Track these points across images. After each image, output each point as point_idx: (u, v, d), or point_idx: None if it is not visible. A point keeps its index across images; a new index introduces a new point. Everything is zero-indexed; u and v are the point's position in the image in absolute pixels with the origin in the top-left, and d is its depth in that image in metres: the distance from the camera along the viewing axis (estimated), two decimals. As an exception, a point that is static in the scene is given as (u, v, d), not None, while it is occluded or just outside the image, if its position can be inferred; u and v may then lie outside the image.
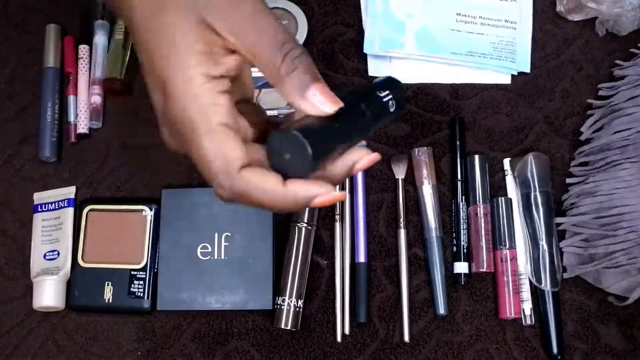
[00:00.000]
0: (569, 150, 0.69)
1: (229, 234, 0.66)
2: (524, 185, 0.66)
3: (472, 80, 0.71)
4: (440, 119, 0.70)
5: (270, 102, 0.70)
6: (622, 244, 0.59)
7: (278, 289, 0.65)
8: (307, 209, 0.64)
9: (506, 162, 0.68)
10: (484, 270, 0.65)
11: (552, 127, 0.70)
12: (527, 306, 0.65)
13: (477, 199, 0.67)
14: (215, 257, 0.66)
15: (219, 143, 0.39)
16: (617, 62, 0.70)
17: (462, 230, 0.66)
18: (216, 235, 0.67)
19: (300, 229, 0.66)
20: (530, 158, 0.66)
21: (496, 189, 0.68)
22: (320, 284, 0.66)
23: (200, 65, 0.39)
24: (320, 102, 0.40)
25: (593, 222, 0.62)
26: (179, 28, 0.39)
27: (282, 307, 0.64)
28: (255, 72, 0.70)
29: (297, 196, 0.40)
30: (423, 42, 0.71)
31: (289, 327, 0.64)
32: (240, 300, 0.65)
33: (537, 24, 0.73)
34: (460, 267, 0.66)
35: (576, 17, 0.71)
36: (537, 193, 0.65)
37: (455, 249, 0.66)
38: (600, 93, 0.69)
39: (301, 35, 0.72)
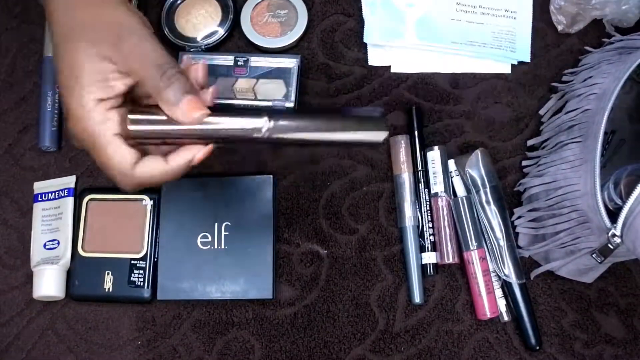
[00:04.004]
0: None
1: (229, 224, 0.67)
2: (474, 183, 0.65)
3: (472, 69, 0.71)
4: (440, 109, 0.70)
5: (266, 92, 0.70)
6: (567, 223, 0.59)
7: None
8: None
9: (451, 162, 0.68)
10: (450, 262, 0.65)
11: (552, 117, 0.70)
12: (502, 303, 0.64)
13: (439, 190, 0.66)
14: (216, 247, 0.66)
15: (114, 152, 0.48)
16: (586, 48, 0.69)
17: (426, 221, 0.66)
18: (216, 224, 0.67)
19: None
20: (478, 154, 0.66)
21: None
22: (320, 274, 0.66)
23: (93, 93, 0.47)
24: (189, 110, 0.48)
25: (543, 203, 0.62)
26: (79, 62, 0.47)
27: None
28: (254, 63, 0.71)
29: (181, 164, 0.50)
30: (423, 31, 0.71)
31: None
32: (240, 290, 0.65)
33: (537, 13, 0.72)
34: (427, 258, 0.66)
35: (578, 27, 0.71)
36: (488, 189, 0.65)
37: (421, 240, 0.66)
38: (564, 78, 0.69)
39: (301, 25, 0.72)
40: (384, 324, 0.65)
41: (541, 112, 0.68)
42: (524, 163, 0.67)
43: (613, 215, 0.54)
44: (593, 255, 0.57)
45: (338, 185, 0.69)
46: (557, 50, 0.71)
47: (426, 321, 0.65)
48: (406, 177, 0.67)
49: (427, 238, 0.66)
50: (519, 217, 0.65)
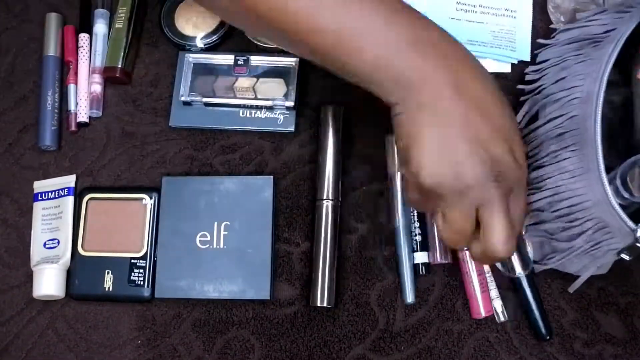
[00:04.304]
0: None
1: (228, 223, 0.66)
2: None
3: (473, 69, 0.71)
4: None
5: (266, 91, 0.70)
6: (584, 235, 0.58)
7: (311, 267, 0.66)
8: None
9: None
10: (441, 261, 0.65)
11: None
12: (498, 303, 0.64)
13: None
14: (214, 246, 0.66)
15: None
16: (539, 41, 0.68)
17: (419, 221, 0.66)
18: (215, 224, 0.67)
19: (326, 207, 0.66)
20: None
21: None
22: (320, 273, 0.66)
23: None
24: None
25: (549, 216, 0.60)
26: None
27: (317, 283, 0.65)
28: (255, 62, 0.71)
29: None
30: (423, 31, 0.71)
31: (325, 304, 0.64)
32: (238, 290, 0.65)
33: (537, 12, 0.72)
34: (419, 257, 0.66)
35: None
36: None
37: (413, 239, 0.66)
38: (527, 77, 0.68)
39: (301, 24, 0.72)
40: (384, 323, 0.65)
41: (517, 118, 0.67)
42: None
43: (624, 209, 0.54)
44: (622, 255, 0.56)
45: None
46: (557, 50, 0.71)
47: (426, 320, 0.65)
48: (399, 177, 0.67)
49: (415, 237, 0.66)
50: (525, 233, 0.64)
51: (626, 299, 0.64)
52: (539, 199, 0.61)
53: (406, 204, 0.65)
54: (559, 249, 0.60)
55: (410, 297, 0.65)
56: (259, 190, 0.67)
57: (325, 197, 0.66)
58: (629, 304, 0.64)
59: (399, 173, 0.67)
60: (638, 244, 0.53)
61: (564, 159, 0.59)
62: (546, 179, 0.60)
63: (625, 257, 0.55)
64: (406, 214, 0.66)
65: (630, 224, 0.53)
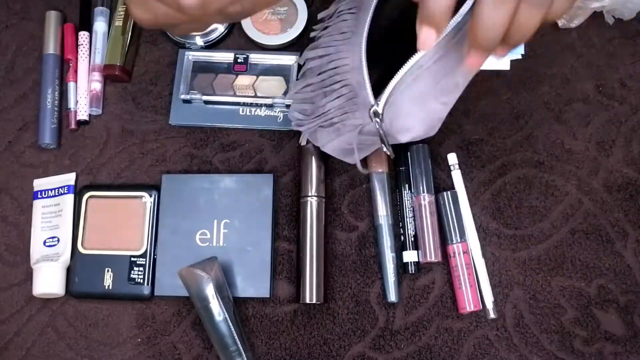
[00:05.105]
0: (568, 136, 0.69)
1: (228, 221, 0.66)
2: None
3: (472, 66, 0.71)
4: (440, 106, 0.70)
5: (266, 89, 0.70)
6: (337, 100, 0.56)
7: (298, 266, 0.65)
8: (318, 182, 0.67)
9: (451, 156, 0.68)
10: (432, 260, 0.65)
11: (552, 114, 0.70)
12: (489, 299, 0.64)
13: (421, 189, 0.66)
14: (214, 244, 0.66)
15: None
16: None
17: (407, 219, 0.66)
18: (215, 222, 0.67)
19: (311, 203, 0.66)
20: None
21: (495, 175, 0.68)
22: (319, 271, 0.66)
23: None
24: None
25: (317, 78, 0.59)
26: None
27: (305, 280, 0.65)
28: (254, 60, 0.71)
29: None
30: (423, 28, 0.71)
31: (314, 301, 0.64)
32: (237, 288, 0.65)
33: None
34: (408, 256, 0.66)
35: (579, 21, 0.70)
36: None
37: (402, 238, 0.66)
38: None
39: (301, 22, 0.72)
40: (384, 321, 0.65)
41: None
42: (312, 35, 0.64)
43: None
44: (357, 133, 0.54)
45: (338, 182, 0.69)
46: (558, 47, 0.71)
47: (426, 318, 0.65)
48: (377, 176, 0.67)
49: (407, 236, 0.66)
50: (294, 94, 0.62)
51: (626, 297, 0.64)
52: (313, 57, 0.60)
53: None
54: (314, 115, 0.59)
55: (393, 296, 0.65)
56: (259, 188, 0.67)
57: (310, 194, 0.66)
58: (628, 302, 0.64)
59: (378, 171, 0.67)
60: (371, 119, 0.52)
61: (343, 20, 0.58)
62: (322, 39, 0.59)
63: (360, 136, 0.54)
64: (387, 212, 0.66)
65: (371, 97, 0.52)
